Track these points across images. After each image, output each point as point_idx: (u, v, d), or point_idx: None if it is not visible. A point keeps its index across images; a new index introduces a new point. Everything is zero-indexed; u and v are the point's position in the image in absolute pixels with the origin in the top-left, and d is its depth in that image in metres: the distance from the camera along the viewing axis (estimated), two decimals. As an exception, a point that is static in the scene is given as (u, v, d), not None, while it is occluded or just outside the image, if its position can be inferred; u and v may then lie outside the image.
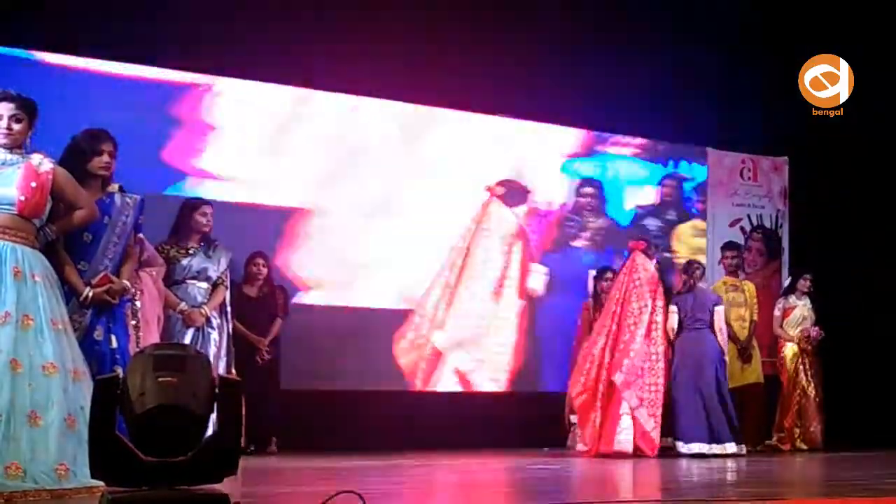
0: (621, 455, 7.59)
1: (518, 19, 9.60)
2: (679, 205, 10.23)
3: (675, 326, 8.00)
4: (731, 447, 7.71)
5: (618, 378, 7.77)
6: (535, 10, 9.72)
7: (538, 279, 9.50)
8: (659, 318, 7.91)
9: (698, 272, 8.20)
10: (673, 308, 8.02)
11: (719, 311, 8.00)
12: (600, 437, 7.79)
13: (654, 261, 8.13)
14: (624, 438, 7.72)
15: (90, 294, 4.73)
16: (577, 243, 9.80)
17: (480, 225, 9.29)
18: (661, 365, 7.83)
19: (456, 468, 6.72)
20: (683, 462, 7.29)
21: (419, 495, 5.06)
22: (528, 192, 9.59)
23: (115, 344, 4.80)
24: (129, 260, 5.00)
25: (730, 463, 7.23)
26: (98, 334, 4.77)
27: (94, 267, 4.80)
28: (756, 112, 10.90)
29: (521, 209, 9.56)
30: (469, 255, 9.18)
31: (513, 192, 9.52)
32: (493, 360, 9.25)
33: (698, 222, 10.29)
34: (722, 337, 7.98)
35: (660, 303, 7.94)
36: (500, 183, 9.43)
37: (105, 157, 4.94)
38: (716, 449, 7.67)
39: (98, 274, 4.78)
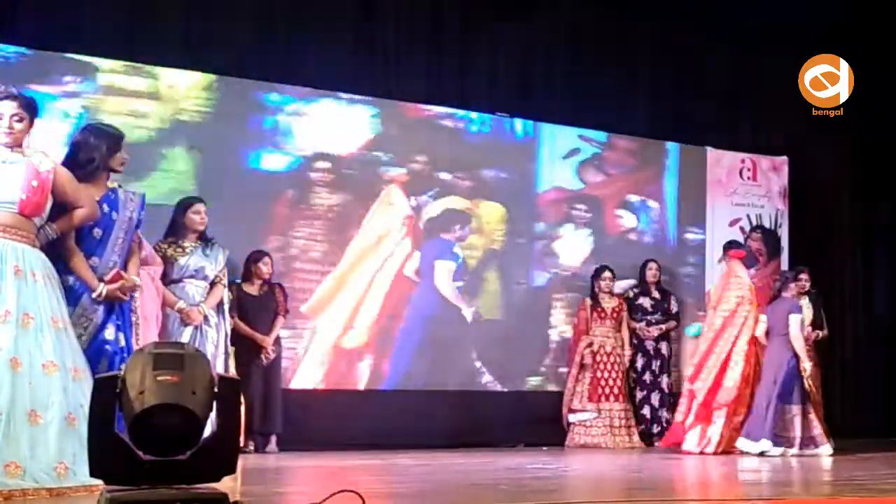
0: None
1: (514, 16, 9.60)
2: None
3: (763, 335, 8.25)
4: (765, 445, 7.79)
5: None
6: (532, 7, 9.72)
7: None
8: (735, 330, 8.24)
9: (782, 282, 8.38)
10: (762, 317, 8.27)
11: (793, 318, 8.08)
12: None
13: (752, 270, 8.52)
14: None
15: (104, 291, 4.74)
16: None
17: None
18: (713, 375, 8.16)
19: (455, 467, 6.71)
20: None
21: (418, 494, 5.06)
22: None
23: (123, 343, 4.82)
24: (134, 255, 5.03)
25: (742, 462, 7.24)
26: (109, 333, 4.78)
27: (104, 263, 4.82)
28: (756, 111, 10.92)
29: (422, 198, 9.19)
30: (362, 238, 8.81)
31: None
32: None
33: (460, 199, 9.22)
34: (797, 344, 8.01)
35: (744, 310, 8.26)
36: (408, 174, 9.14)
37: (124, 154, 5.00)
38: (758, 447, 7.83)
39: (109, 269, 4.79)
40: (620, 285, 9.49)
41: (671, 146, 10.20)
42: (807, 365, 7.99)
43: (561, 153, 9.71)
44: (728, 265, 8.61)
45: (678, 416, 8.37)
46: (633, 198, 10.02)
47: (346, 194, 8.62)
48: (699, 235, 10.18)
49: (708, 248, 10.04)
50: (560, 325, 9.46)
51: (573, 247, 9.63)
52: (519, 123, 9.50)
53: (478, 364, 9.07)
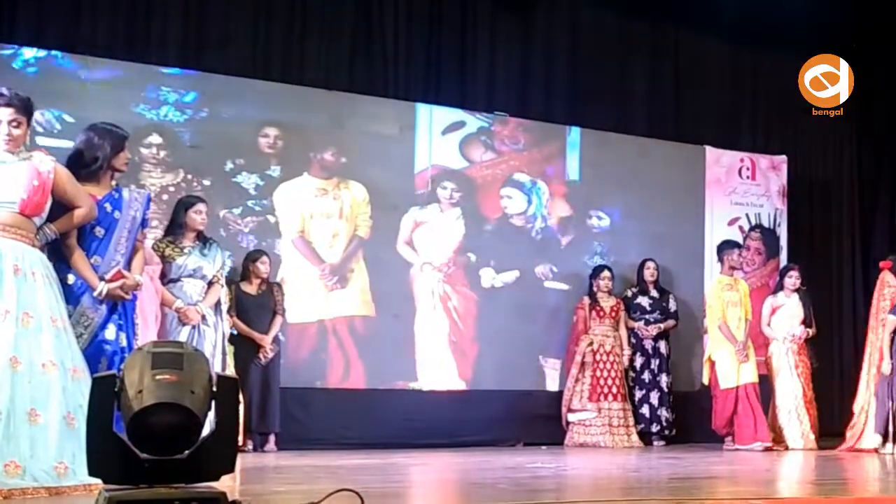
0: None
1: (513, 14, 9.62)
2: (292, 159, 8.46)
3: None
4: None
5: None
6: (532, 6, 9.74)
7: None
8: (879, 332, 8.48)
9: None
10: (892, 317, 8.45)
11: (889, 318, 8.33)
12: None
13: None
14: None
15: (105, 289, 4.74)
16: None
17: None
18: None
19: (454, 466, 6.71)
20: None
21: (417, 494, 5.05)
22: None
23: (124, 342, 4.82)
24: (138, 255, 5.02)
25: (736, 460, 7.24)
26: (110, 333, 4.78)
27: (106, 262, 4.82)
28: (755, 110, 10.94)
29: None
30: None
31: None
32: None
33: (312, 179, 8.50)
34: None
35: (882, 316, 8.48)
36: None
37: (127, 153, 5.02)
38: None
39: (111, 269, 4.79)
40: (503, 278, 9.19)
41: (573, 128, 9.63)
42: (886, 365, 8.20)
43: (440, 128, 9.04)
44: (879, 277, 8.77)
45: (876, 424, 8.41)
46: (524, 178, 9.37)
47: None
48: (604, 222, 9.74)
49: (707, 248, 10.04)
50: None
51: (448, 230, 9.01)
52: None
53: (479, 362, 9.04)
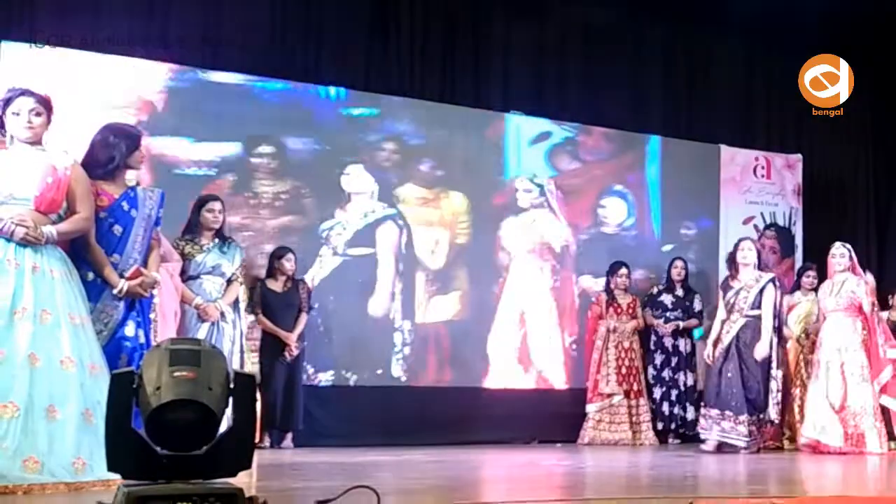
0: None
1: (527, 16, 9.63)
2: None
3: None
4: None
5: None
6: (546, 8, 9.74)
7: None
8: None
9: None
10: None
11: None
12: None
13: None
14: None
15: (125, 287, 4.79)
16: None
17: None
18: None
19: (469, 463, 6.73)
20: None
21: (433, 490, 5.08)
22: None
23: (143, 339, 4.87)
24: (154, 252, 5.09)
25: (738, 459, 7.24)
26: (129, 329, 4.84)
27: (125, 259, 4.88)
28: (770, 109, 10.91)
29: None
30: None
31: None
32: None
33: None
34: None
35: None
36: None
37: (142, 151, 5.10)
38: None
39: (129, 266, 4.85)
40: (601, 284, 9.39)
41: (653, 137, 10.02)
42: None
43: (527, 138, 9.42)
44: None
45: None
46: (616, 187, 9.79)
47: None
48: (689, 230, 10.03)
49: (721, 246, 10.03)
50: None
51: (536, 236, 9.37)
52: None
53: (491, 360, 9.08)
